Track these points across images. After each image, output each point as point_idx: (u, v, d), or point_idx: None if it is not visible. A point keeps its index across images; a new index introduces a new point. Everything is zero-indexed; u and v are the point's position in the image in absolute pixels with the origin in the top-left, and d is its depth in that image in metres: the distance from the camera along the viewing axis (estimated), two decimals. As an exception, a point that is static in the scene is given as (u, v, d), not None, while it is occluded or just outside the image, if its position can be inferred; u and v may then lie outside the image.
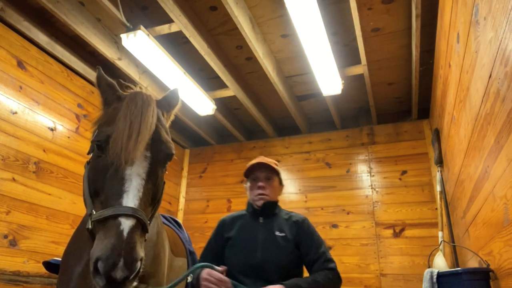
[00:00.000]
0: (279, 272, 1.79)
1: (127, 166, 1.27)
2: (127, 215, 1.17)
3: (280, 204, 2.12)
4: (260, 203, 1.96)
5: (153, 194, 1.38)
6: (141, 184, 1.28)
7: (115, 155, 1.26)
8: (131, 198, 1.22)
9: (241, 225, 2.00)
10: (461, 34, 1.99)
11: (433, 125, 3.89)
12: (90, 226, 1.25)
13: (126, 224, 1.16)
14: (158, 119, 1.47)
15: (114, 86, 1.54)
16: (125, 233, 1.13)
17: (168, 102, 1.67)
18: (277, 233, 1.90)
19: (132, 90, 1.55)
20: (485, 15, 1.50)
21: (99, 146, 1.35)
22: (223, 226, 2.05)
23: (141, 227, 1.21)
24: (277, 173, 2.06)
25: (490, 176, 1.70)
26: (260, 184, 1.99)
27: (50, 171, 3.07)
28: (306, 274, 1.91)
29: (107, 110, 1.49)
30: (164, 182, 1.51)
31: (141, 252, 1.15)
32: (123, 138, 1.28)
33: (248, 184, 2.08)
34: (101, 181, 1.29)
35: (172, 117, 1.70)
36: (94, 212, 1.25)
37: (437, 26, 2.79)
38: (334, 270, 1.82)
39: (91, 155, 1.49)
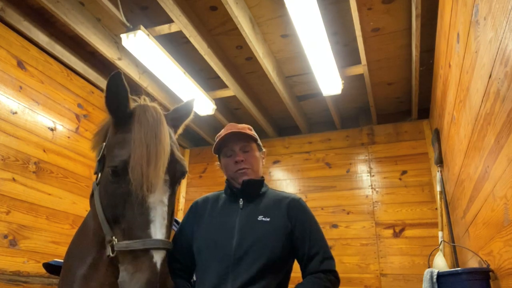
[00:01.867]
0: (260, 265, 1.39)
1: (149, 193, 1.24)
2: (158, 249, 1.18)
3: None
4: (244, 178, 1.59)
5: (172, 212, 1.37)
6: (165, 211, 1.27)
7: (136, 183, 1.22)
8: (159, 229, 1.22)
9: (215, 209, 1.61)
10: (461, 34, 1.99)
11: (433, 125, 3.89)
12: (111, 254, 1.24)
13: (158, 257, 1.17)
14: (170, 136, 1.43)
15: (128, 98, 1.41)
16: (158, 267, 1.14)
17: (179, 115, 1.63)
18: (260, 217, 1.51)
19: (137, 103, 1.46)
20: (485, 15, 1.49)
21: (115, 172, 1.28)
22: (196, 209, 1.66)
23: (168, 254, 1.24)
24: (254, 140, 1.67)
25: (490, 176, 1.70)
26: (238, 159, 1.60)
27: (50, 171, 3.07)
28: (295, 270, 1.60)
29: (117, 128, 1.39)
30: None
31: (171, 282, 1.18)
32: (143, 165, 1.23)
33: (222, 161, 1.69)
34: (121, 209, 1.26)
35: (180, 131, 1.66)
36: (116, 240, 1.24)
37: (437, 26, 2.79)
38: (333, 272, 1.48)
39: (99, 175, 1.42)
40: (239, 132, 1.62)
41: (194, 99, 1.72)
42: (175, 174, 1.38)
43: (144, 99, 1.52)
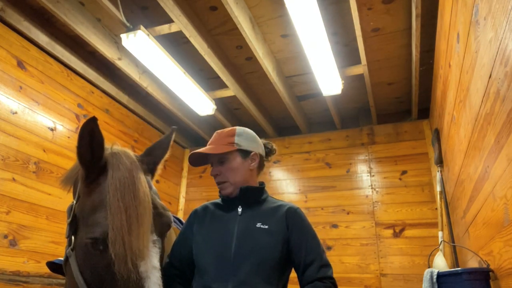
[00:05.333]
0: (258, 271, 1.41)
1: (138, 263, 1.13)
2: None
3: None
4: (223, 192, 1.62)
5: (163, 255, 1.31)
6: (158, 277, 1.17)
7: (119, 258, 1.10)
8: None
9: (214, 216, 1.62)
10: (461, 34, 1.99)
11: (433, 125, 3.89)
12: None
13: None
14: (150, 187, 1.30)
15: (104, 149, 1.25)
16: None
17: (155, 155, 1.48)
18: (259, 224, 1.52)
19: (108, 152, 1.29)
20: (485, 15, 1.50)
21: (96, 244, 1.15)
22: (194, 218, 1.66)
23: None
24: (231, 150, 1.60)
25: (490, 176, 1.70)
26: (212, 173, 1.63)
27: (50, 171, 3.07)
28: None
29: (89, 185, 1.25)
30: None
31: None
32: (124, 236, 1.11)
33: None
34: (110, 282, 1.14)
35: (159, 172, 1.50)
36: None
37: (437, 26, 2.79)
38: (330, 279, 1.46)
39: (72, 239, 1.26)
40: (205, 154, 1.59)
41: (173, 133, 1.56)
42: (162, 229, 1.30)
43: (115, 145, 1.36)
